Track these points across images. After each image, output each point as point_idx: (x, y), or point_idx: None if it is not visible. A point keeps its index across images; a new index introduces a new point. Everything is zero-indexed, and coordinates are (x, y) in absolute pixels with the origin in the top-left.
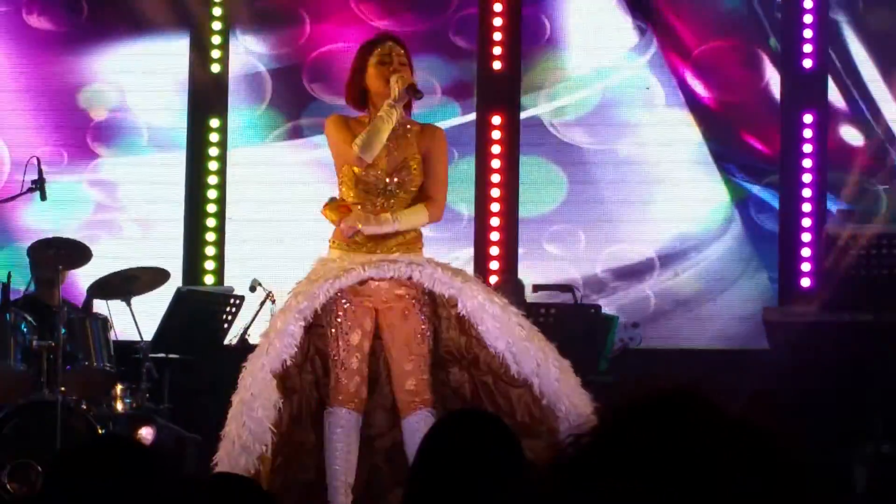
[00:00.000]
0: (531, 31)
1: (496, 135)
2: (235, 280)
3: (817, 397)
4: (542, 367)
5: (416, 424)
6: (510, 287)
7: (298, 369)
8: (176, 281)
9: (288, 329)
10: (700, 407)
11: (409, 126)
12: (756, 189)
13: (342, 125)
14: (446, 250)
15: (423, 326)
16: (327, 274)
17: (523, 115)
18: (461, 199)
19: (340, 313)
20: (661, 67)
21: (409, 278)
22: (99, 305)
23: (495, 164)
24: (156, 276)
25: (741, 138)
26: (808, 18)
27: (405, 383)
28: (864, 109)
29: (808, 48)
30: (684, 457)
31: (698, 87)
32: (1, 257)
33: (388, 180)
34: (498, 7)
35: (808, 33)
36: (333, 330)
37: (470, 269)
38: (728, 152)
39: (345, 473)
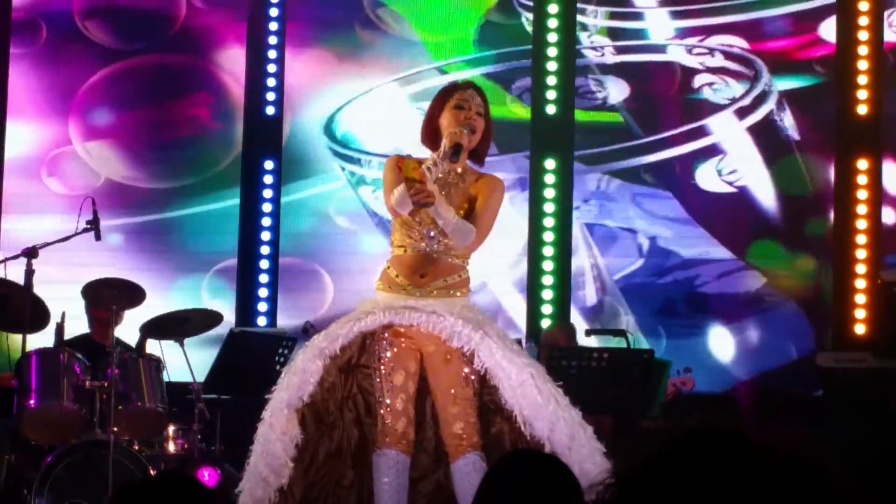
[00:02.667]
0: None
1: (549, 179)
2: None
3: (870, 443)
4: (554, 432)
5: (465, 468)
6: (563, 331)
7: (338, 406)
8: (229, 322)
9: (305, 367)
10: (733, 444)
11: (466, 175)
12: None
13: (395, 169)
14: None
15: (466, 370)
16: (352, 316)
17: None
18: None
19: (384, 355)
20: None
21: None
22: (152, 346)
23: (548, 208)
24: (208, 318)
25: None
26: (862, 65)
27: (452, 427)
28: None
29: (862, 94)
30: (721, 493)
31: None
32: None
33: (431, 226)
34: (553, 52)
35: (862, 79)
36: (378, 371)
37: (523, 312)
38: None
39: None
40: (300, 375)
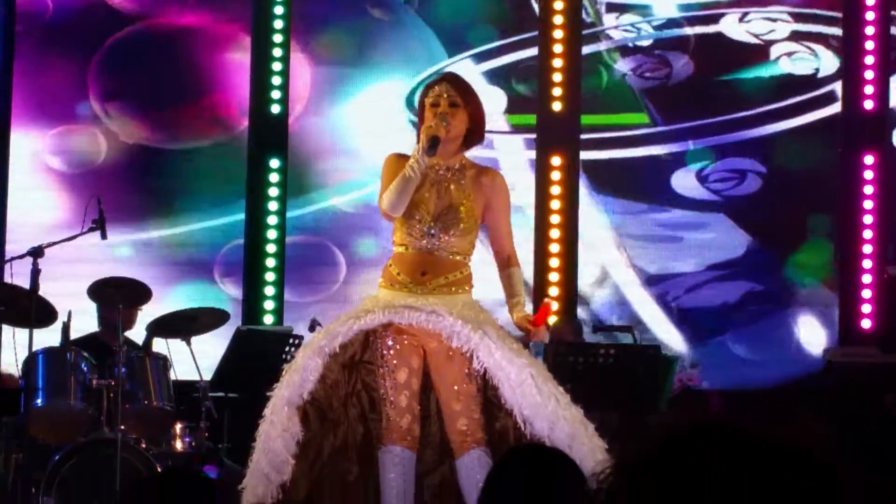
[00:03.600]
0: None
1: (556, 176)
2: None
3: (878, 437)
4: (554, 431)
5: (471, 464)
6: (569, 327)
7: (342, 403)
8: (236, 320)
9: (305, 364)
10: (732, 436)
11: (463, 169)
12: None
13: (392, 168)
14: None
15: (469, 366)
16: (352, 313)
17: None
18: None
19: (386, 352)
20: None
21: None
22: (159, 344)
23: (555, 205)
24: (215, 317)
25: None
26: (869, 59)
27: (456, 423)
28: None
29: (869, 89)
30: (718, 484)
31: None
32: None
33: (432, 224)
34: (558, 48)
35: (869, 74)
36: (381, 368)
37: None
38: None
39: None
40: (300, 373)
